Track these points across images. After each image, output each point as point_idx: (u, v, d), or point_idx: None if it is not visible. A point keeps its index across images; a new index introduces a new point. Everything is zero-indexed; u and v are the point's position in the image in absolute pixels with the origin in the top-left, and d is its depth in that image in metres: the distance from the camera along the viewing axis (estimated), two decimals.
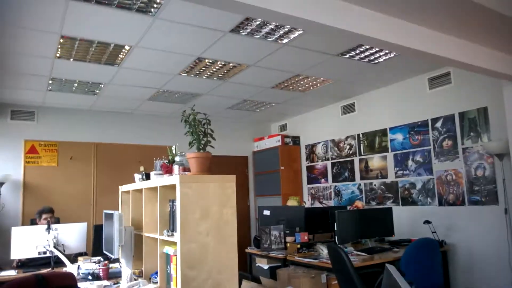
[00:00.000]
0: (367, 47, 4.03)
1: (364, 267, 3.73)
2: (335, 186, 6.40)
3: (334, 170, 6.45)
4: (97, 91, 5.27)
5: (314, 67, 4.64)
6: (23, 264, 4.28)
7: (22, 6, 3.02)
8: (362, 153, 5.96)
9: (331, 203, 6.42)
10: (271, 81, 5.14)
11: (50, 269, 3.90)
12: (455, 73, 4.75)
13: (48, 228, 4.08)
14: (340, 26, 2.81)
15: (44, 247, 4.03)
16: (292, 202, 5.58)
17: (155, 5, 3.09)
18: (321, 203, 6.63)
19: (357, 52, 4.20)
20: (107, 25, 3.40)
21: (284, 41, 3.86)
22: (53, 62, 4.17)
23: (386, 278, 2.00)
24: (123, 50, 3.94)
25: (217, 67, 4.51)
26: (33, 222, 4.68)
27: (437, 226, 4.68)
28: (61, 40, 3.64)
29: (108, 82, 4.91)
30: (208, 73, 4.70)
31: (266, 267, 4.53)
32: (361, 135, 6.00)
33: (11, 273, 3.95)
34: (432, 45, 3.30)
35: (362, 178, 5.94)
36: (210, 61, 4.30)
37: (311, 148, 6.96)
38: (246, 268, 5.04)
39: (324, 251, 4.21)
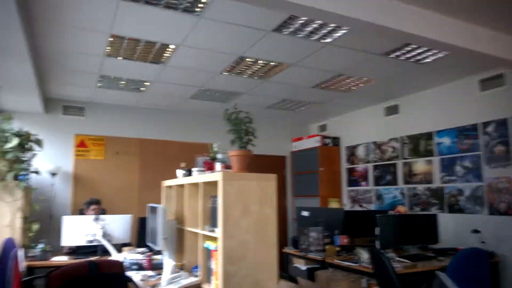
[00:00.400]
0: (414, 46, 3.90)
1: (407, 274, 3.62)
2: (377, 190, 6.26)
3: (375, 173, 6.31)
4: (143, 88, 5.45)
5: (358, 66, 4.56)
6: (73, 251, 4.51)
7: (75, 7, 3.17)
8: (406, 157, 5.78)
9: (372, 206, 6.28)
10: (312, 81, 5.11)
11: (97, 257, 4.08)
12: (508, 75, 4.51)
13: (96, 219, 4.27)
14: (387, 24, 2.75)
15: (92, 236, 4.22)
16: (334, 204, 5.53)
17: (200, 5, 3.15)
18: (361, 206, 6.50)
19: (403, 51, 4.09)
20: (154, 24, 3.50)
21: (327, 40, 3.82)
22: (102, 60, 4.35)
23: (436, 286, 1.92)
24: (168, 49, 4.04)
25: (258, 66, 4.54)
26: (81, 212, 4.91)
27: (486, 236, 4.45)
28: (111, 39, 3.79)
29: (153, 80, 5.07)
30: (249, 72, 4.74)
31: (304, 268, 4.51)
32: (405, 138, 5.83)
33: (63, 259, 4.18)
34: (486, 45, 3.16)
35: (405, 182, 5.77)
36: (252, 60, 4.33)
37: (352, 150, 6.84)
38: (282, 267, 5.04)
39: (364, 255, 4.12)
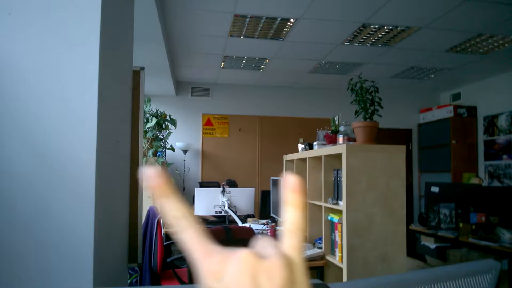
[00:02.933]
0: None
1: None
2: None
3: None
4: (263, 66, 5.59)
5: (503, 23, 3.94)
6: (204, 221, 4.95)
7: None
8: None
9: None
10: (446, 44, 4.60)
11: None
12: None
13: (223, 191, 4.60)
14: None
15: (220, 207, 4.57)
16: (474, 180, 5.03)
17: None
18: (501, 182, 5.76)
19: None
20: (275, 0, 3.52)
21: None
22: (226, 41, 4.56)
23: None
24: (288, 24, 4.04)
25: (383, 33, 4.25)
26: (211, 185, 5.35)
27: None
28: (234, 19, 3.94)
29: (273, 57, 5.15)
30: (373, 40, 4.48)
31: (433, 246, 4.23)
32: None
33: None
34: None
35: None
36: (376, 26, 4.08)
37: (491, 120, 6.05)
38: (409, 245, 4.79)
39: (506, 235, 3.68)
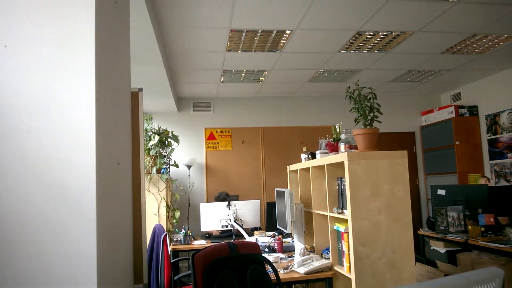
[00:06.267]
0: None
1: None
2: None
3: None
4: (262, 78, 5.62)
5: (495, 23, 3.96)
6: (209, 236, 4.94)
7: (196, 8, 3.41)
8: None
9: None
10: (441, 46, 4.61)
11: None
12: None
13: (228, 205, 4.60)
14: None
15: (226, 221, 4.56)
16: (481, 181, 5.00)
17: None
18: (508, 181, 5.72)
19: None
20: (270, 13, 3.56)
21: None
22: (224, 56, 4.60)
23: None
24: (285, 35, 4.07)
25: (378, 39, 4.28)
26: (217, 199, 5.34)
27: None
28: (230, 34, 3.97)
29: (271, 68, 5.18)
30: (369, 46, 4.50)
31: (443, 250, 4.18)
32: None
33: (202, 242, 4.60)
34: None
35: None
36: (371, 33, 4.10)
37: (494, 118, 6.03)
38: (419, 251, 4.75)
39: None
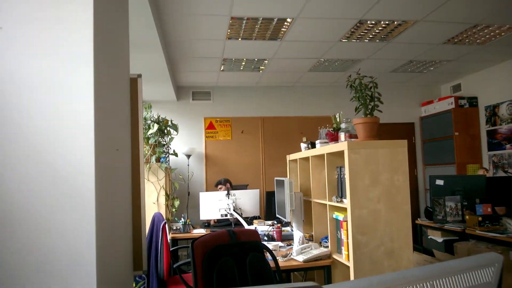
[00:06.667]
0: None
1: None
2: None
3: None
4: (262, 67, 5.59)
5: (498, 13, 3.93)
6: (208, 225, 4.96)
7: None
8: None
9: None
10: (443, 36, 4.59)
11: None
12: None
13: (228, 194, 4.60)
14: None
15: (225, 210, 4.57)
16: (479, 173, 5.02)
17: None
18: (506, 172, 5.73)
19: None
20: (271, 1, 3.52)
21: None
22: (224, 44, 4.57)
23: None
24: (285, 24, 4.04)
25: (380, 28, 4.24)
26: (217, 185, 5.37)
27: None
28: (231, 21, 3.94)
29: (272, 57, 5.15)
30: (370, 36, 4.47)
31: (440, 240, 4.21)
32: None
33: (201, 231, 4.62)
34: None
35: None
36: (373, 22, 4.07)
37: (493, 110, 6.02)
38: (416, 240, 4.78)
39: None
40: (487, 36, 4.62)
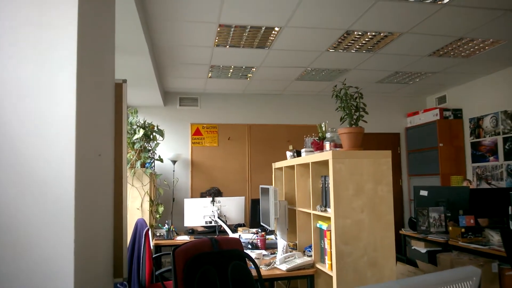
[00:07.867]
0: None
1: None
2: (508, 165, 5.53)
3: (506, 147, 5.57)
4: (250, 75, 5.60)
5: (482, 27, 4.02)
6: (192, 232, 4.91)
7: (185, 1, 3.36)
8: None
9: (503, 184, 5.58)
10: (428, 48, 4.66)
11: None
12: None
13: (213, 201, 4.57)
14: None
15: (210, 217, 4.54)
16: (463, 183, 5.09)
17: None
18: (489, 184, 5.82)
19: None
20: (259, 9, 3.53)
21: (444, 1, 3.43)
22: (212, 51, 4.56)
23: None
24: (273, 32, 4.06)
25: (366, 39, 4.30)
26: (203, 195, 5.32)
27: None
28: (219, 29, 3.94)
29: (259, 65, 5.16)
30: (357, 46, 4.52)
31: (424, 250, 4.24)
32: None
33: (185, 238, 4.57)
34: None
35: None
36: (360, 33, 4.12)
37: (477, 122, 6.13)
38: (400, 250, 4.81)
39: (494, 237, 3.72)
40: (471, 49, 4.71)
